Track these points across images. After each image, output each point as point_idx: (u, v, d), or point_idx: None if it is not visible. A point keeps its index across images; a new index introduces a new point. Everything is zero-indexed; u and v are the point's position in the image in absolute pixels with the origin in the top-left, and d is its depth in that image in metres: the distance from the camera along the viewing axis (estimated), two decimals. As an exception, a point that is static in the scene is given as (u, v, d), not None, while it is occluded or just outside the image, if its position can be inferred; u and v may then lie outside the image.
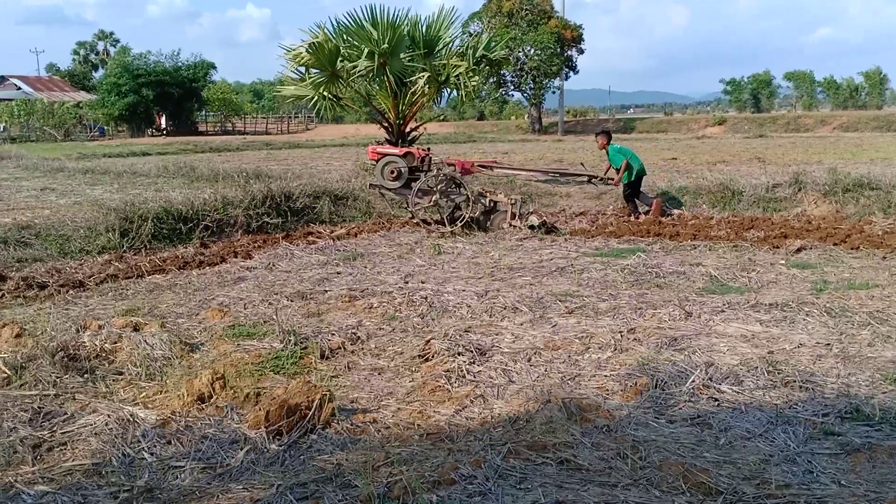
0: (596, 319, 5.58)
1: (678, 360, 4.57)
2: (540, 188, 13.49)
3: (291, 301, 6.32)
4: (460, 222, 10.01)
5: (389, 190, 10.54)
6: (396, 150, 10.72)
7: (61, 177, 16.62)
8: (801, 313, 5.55)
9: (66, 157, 22.59)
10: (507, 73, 48.72)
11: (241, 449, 3.48)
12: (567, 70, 52.54)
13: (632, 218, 10.96)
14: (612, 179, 11.69)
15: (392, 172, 10.30)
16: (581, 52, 53.09)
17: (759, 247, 8.52)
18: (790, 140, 29.82)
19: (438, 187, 10.07)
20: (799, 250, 8.19)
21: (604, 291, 6.48)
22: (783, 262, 7.69)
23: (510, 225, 10.04)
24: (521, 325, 5.48)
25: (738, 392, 4.10)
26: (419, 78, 13.52)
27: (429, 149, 11.18)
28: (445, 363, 4.56)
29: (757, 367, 4.43)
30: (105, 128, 54.79)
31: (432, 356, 4.72)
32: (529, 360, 4.69)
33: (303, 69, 13.96)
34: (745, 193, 11.63)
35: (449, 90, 14.39)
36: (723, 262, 7.70)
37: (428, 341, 4.96)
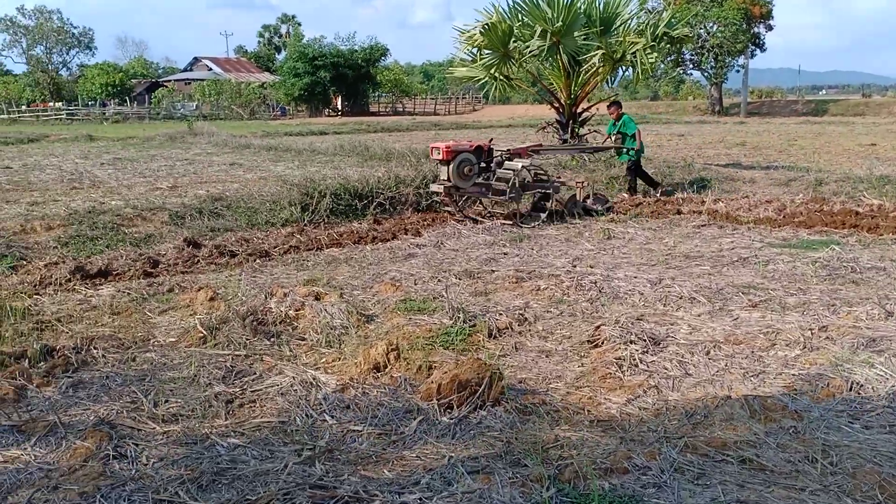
0: (783, 314, 5.21)
1: (877, 362, 4.17)
2: (721, 173, 12.83)
3: (459, 279, 6.42)
4: (545, 213, 9.71)
5: (459, 189, 9.64)
6: (467, 145, 9.75)
7: (248, 153, 17.89)
8: None
9: (251, 135, 24.29)
10: (686, 52, 46.48)
11: (415, 419, 3.58)
12: (753, 48, 49.31)
13: (627, 196, 11.29)
14: (623, 147, 11.65)
15: (469, 171, 9.50)
16: (770, 28, 49.67)
17: (973, 243, 7.63)
18: None
19: (517, 179, 9.50)
20: None
21: (792, 285, 6.04)
22: None
23: (582, 209, 9.94)
24: (699, 316, 5.22)
25: (946, 401, 3.70)
26: (593, 56, 13.22)
27: (492, 139, 10.67)
28: (616, 350, 4.44)
29: (971, 376, 3.98)
30: (286, 107, 58.31)
31: (602, 342, 4.62)
32: (708, 353, 4.46)
33: (475, 50, 14.06)
34: (957, 184, 10.44)
35: (624, 68, 13.95)
36: (930, 259, 6.96)
37: (598, 327, 4.86)
